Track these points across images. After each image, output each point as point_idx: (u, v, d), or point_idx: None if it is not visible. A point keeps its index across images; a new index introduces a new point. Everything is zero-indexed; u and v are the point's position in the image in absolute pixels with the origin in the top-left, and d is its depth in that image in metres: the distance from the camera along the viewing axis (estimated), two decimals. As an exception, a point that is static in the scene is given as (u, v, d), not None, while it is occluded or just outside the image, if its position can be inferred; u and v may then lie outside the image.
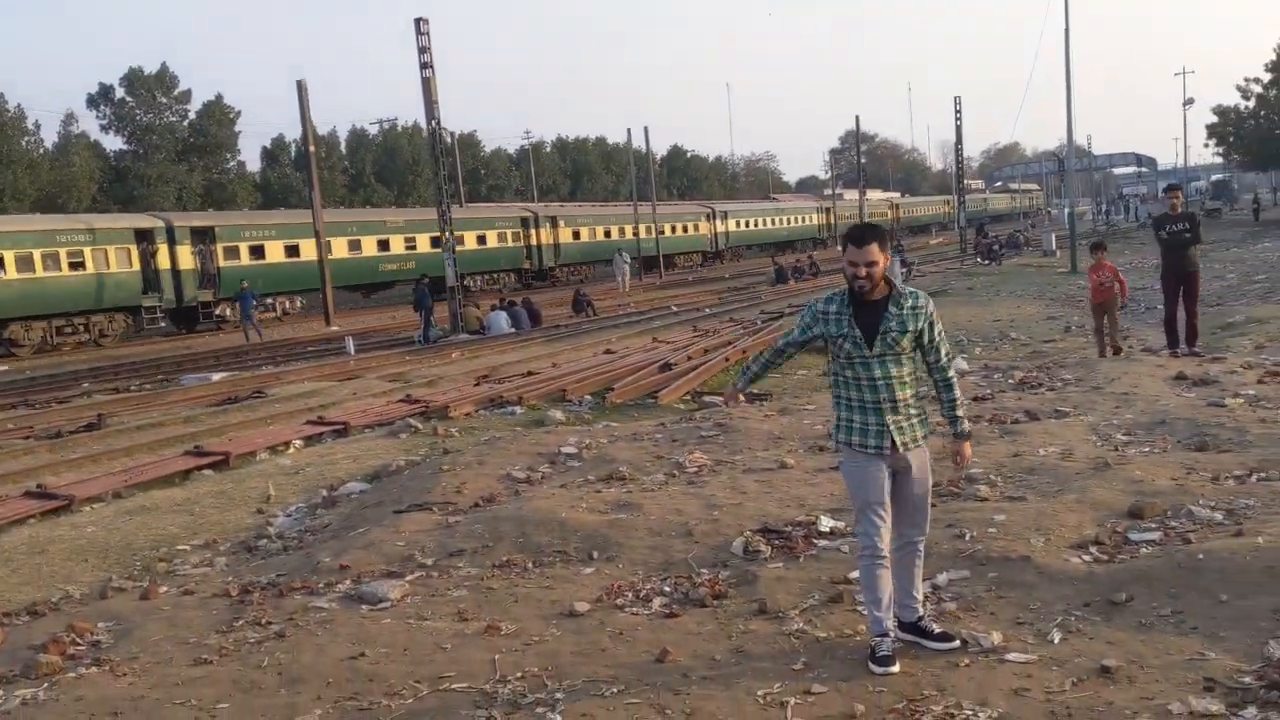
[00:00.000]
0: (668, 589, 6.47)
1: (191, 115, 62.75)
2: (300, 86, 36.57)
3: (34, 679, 5.73)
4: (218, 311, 38.89)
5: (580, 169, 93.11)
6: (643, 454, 10.38)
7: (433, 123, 28.84)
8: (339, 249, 43.21)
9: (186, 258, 37.96)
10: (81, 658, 6.05)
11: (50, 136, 58.85)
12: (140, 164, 58.95)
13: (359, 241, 44.56)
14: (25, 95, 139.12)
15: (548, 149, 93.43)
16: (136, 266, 36.32)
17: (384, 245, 45.98)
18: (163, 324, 38.11)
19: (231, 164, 65.10)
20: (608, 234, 59.78)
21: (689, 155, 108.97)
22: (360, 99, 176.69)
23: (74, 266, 34.29)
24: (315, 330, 35.13)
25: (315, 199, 37.47)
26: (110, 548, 9.17)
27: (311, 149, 37.61)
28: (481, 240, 50.70)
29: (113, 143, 61.76)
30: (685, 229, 67.73)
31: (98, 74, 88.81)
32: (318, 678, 5.40)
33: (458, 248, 47.99)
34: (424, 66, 28.18)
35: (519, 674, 5.31)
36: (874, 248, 4.92)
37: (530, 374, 18.12)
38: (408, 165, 71.53)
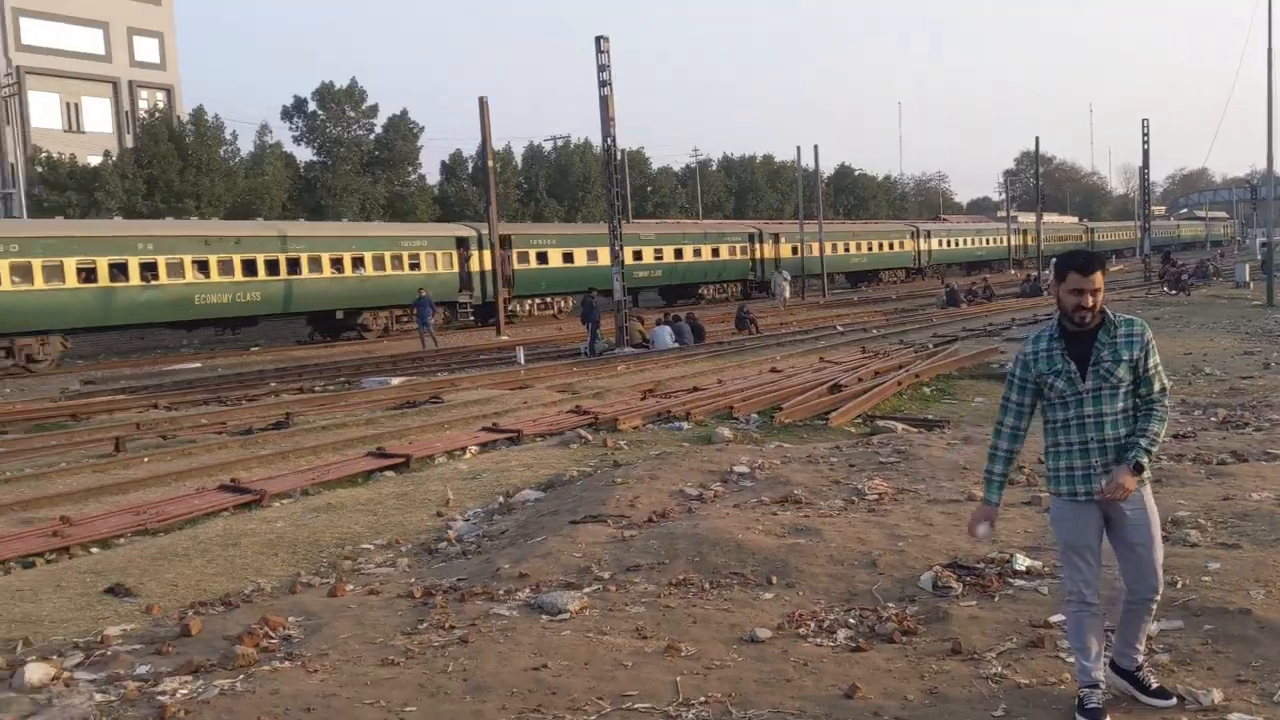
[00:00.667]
0: (852, 621, 6.27)
1: (377, 129, 64.94)
2: (482, 103, 37.59)
3: (230, 669, 5.91)
4: (511, 307, 44.29)
5: (745, 186, 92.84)
6: (819, 478, 10.17)
7: (608, 140, 29.11)
8: (582, 259, 47.90)
9: (490, 262, 42.99)
10: (275, 651, 6.21)
11: (246, 146, 61.78)
12: (328, 174, 61.20)
13: (595, 253, 47.99)
14: (225, 106, 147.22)
15: (714, 167, 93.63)
16: (456, 268, 42.63)
17: (637, 255, 50.28)
18: (471, 318, 43.53)
19: (413, 176, 66.84)
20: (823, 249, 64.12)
21: (856, 173, 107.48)
22: (533, 116, 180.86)
23: (413, 267, 40.43)
24: (486, 340, 35.87)
25: (491, 213, 38.84)
26: (299, 543, 9.47)
27: (490, 164, 39.17)
28: (715, 253, 56.00)
29: (303, 154, 64.61)
30: (890, 246, 70.77)
31: (293, 87, 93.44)
32: (502, 686, 5.41)
33: (693, 259, 53.93)
34: (602, 84, 28.50)
35: (702, 698, 5.21)
36: (1099, 276, 4.64)
37: (695, 389, 18.07)
38: (578, 181, 72.83)
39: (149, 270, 32.90)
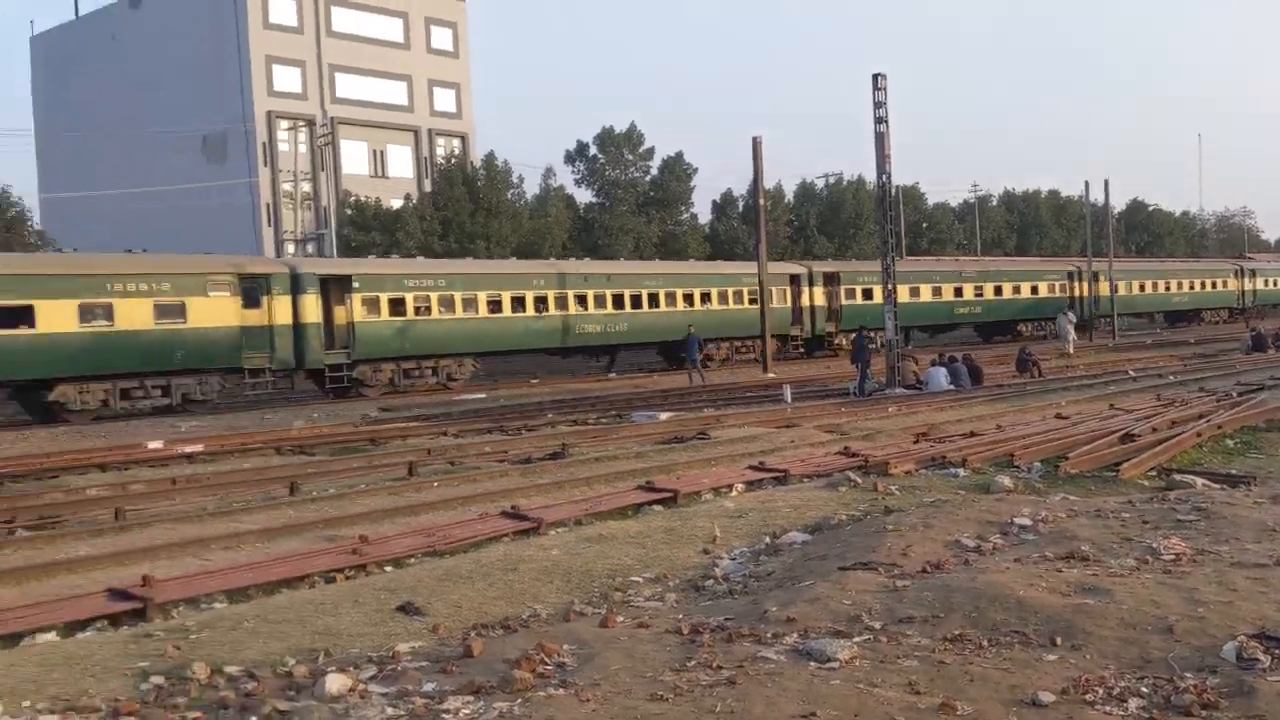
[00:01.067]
0: (1145, 690, 5.85)
1: (653, 171, 66.58)
2: (755, 143, 38.15)
3: (509, 693, 6.14)
4: (836, 340, 46.20)
5: (1028, 223, 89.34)
6: (1108, 534, 9.56)
7: (883, 176, 28.74)
8: (904, 295, 48.74)
9: (819, 297, 46.53)
10: (550, 677, 6.41)
11: (531, 188, 64.73)
12: (605, 215, 63.37)
13: (917, 289, 50.40)
14: (513, 151, 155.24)
15: (994, 202, 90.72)
16: (789, 303, 45.29)
17: (958, 292, 53.17)
18: (800, 349, 45.98)
19: (685, 215, 68.28)
20: (1142, 288, 64.29)
21: (1150, 209, 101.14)
22: (805, 153, 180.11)
23: (752, 302, 42.11)
24: (753, 376, 35.96)
25: (761, 251, 39.02)
26: (572, 572, 9.76)
27: (761, 202, 39.50)
28: (1034, 290, 57.20)
29: (583, 195, 67.18)
30: (1212, 285, 70.37)
31: (576, 132, 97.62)
32: (769, 732, 5.36)
33: (1013, 296, 55.31)
34: (879, 121, 28.17)
35: (979, 762, 4.97)
36: None
37: (972, 434, 17.42)
38: (850, 219, 72.31)
39: (541, 303, 37.85)
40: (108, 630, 8.41)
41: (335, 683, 6.43)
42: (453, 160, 59.82)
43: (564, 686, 6.20)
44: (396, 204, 55.88)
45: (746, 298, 42.89)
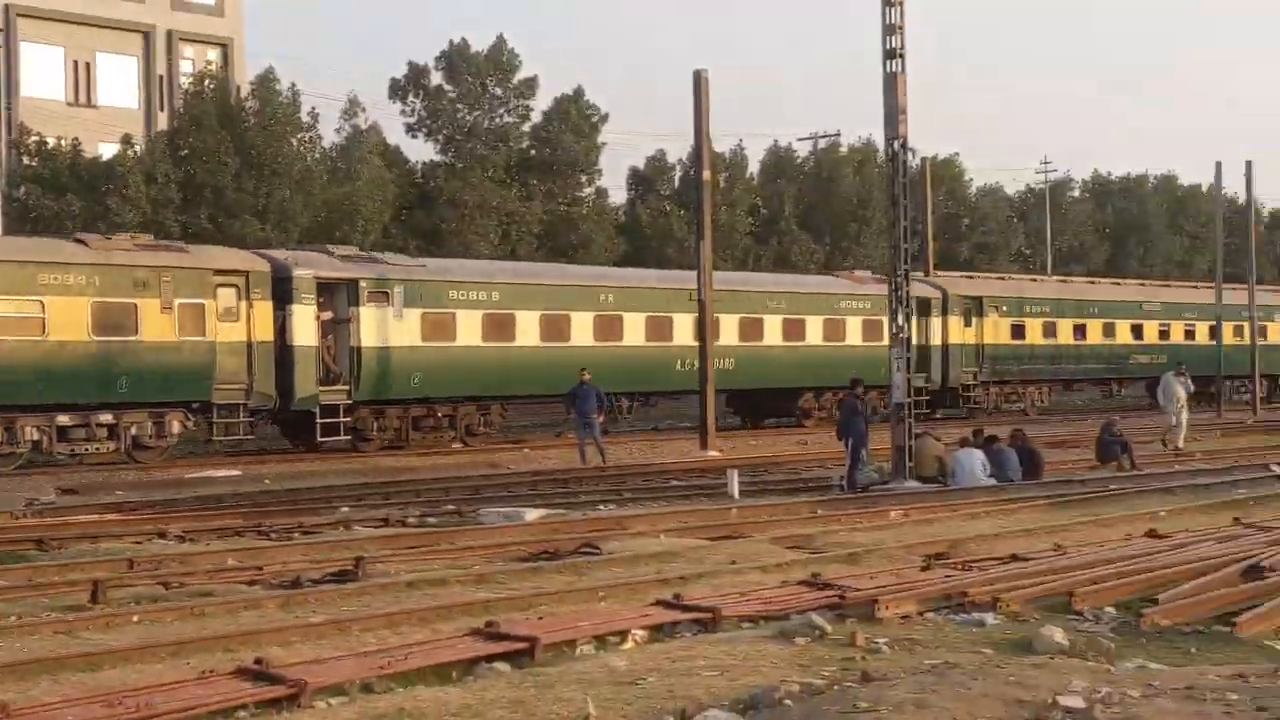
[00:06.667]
0: None
1: (535, 116, 45.85)
2: (697, 79, 27.45)
3: None
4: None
5: (1129, 223, 63.98)
6: (1205, 727, 6.39)
7: (893, 142, 20.57)
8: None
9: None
10: None
11: (330, 133, 43.15)
12: (455, 182, 43.03)
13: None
14: (308, 76, 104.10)
15: (1074, 191, 66.34)
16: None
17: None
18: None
19: (588, 191, 47.65)
20: None
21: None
22: (780, 105, 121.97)
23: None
24: (684, 452, 27.47)
25: (703, 250, 27.67)
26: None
27: (706, 174, 28.07)
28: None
29: (420, 149, 45.87)
30: None
31: (408, 51, 73.01)
32: None
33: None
34: (890, 55, 20.45)
35: None
36: None
37: (1015, 559, 12.88)
38: (851, 206, 51.24)
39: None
40: None
41: None
42: (207, 85, 39.87)
43: None
44: (110, 151, 37.69)
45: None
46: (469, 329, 28.49)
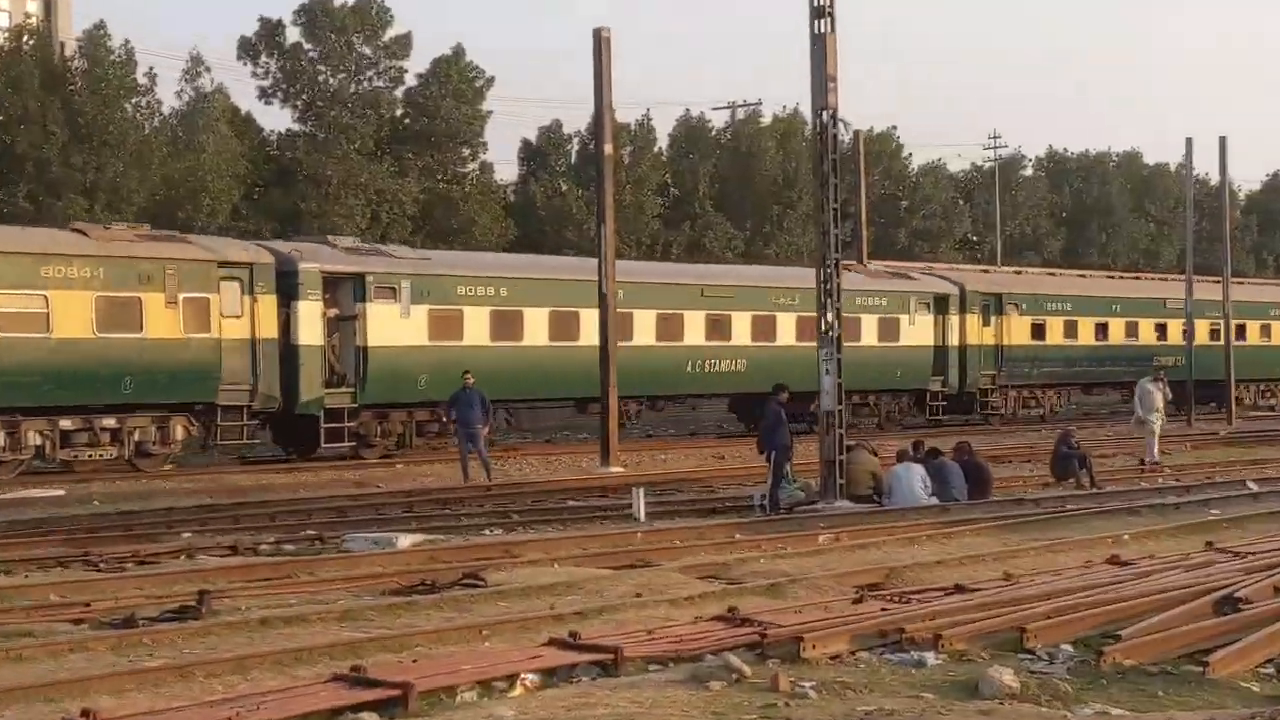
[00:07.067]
0: None
1: (409, 80, 41.44)
2: (597, 38, 24.37)
3: None
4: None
5: (1088, 206, 58.73)
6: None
7: (821, 113, 18.91)
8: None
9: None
10: None
11: (170, 97, 38.14)
12: (316, 155, 38.77)
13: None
14: (145, 29, 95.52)
15: (1027, 169, 61.24)
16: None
17: (1160, 331, 39.71)
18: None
19: (471, 166, 43.10)
20: None
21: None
22: (695, 72, 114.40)
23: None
24: (583, 470, 25.02)
25: (604, 235, 24.98)
26: None
27: (608, 147, 24.97)
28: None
29: (276, 117, 41.34)
30: None
31: (258, 4, 63.16)
32: None
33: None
34: (819, 13, 18.79)
35: None
36: None
37: (959, 589, 11.99)
38: (775, 187, 46.44)
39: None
40: None
41: None
42: (26, 41, 35.59)
43: None
44: None
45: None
46: (476, 327, 27.39)
